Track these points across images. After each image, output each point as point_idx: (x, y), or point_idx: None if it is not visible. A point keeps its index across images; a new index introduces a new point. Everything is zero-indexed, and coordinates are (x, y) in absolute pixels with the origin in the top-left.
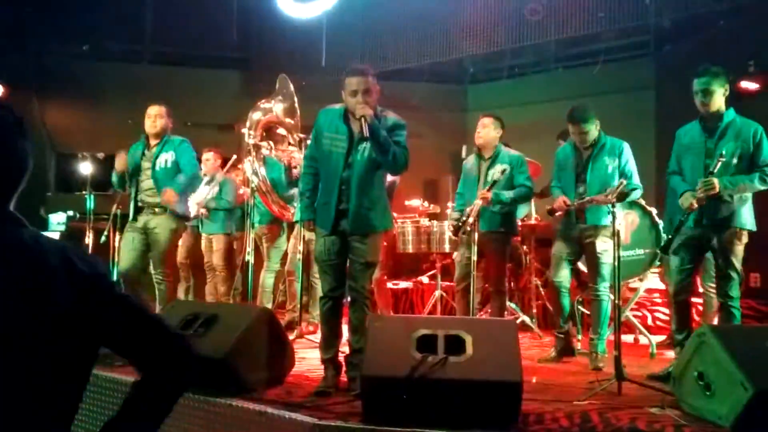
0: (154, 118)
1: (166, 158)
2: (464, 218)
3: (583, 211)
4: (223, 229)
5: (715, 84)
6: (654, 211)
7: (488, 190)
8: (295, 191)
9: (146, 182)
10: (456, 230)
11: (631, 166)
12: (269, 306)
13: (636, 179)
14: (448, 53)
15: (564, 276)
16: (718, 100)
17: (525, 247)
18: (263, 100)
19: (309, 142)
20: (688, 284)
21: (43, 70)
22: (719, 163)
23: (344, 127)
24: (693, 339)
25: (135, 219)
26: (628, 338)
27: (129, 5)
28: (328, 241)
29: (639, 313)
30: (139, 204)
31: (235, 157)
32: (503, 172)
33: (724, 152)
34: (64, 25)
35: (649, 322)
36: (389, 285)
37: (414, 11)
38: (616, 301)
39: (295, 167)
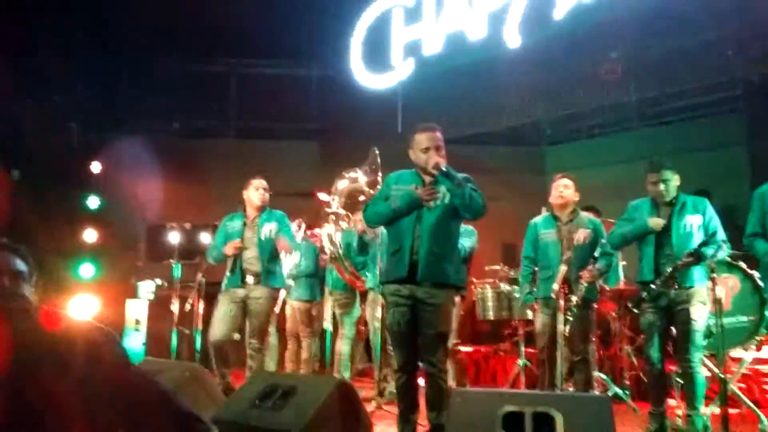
0: (263, 190)
1: (270, 228)
2: (554, 287)
3: (674, 277)
4: (306, 296)
5: None
6: (756, 274)
7: (592, 269)
8: (365, 259)
9: (250, 251)
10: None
11: (716, 223)
12: (347, 374)
13: (721, 235)
14: (523, 116)
15: (655, 350)
16: None
17: (613, 313)
18: (350, 170)
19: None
20: None
21: (136, 147)
22: None
23: (417, 178)
24: None
25: (240, 285)
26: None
27: (214, 84)
28: (398, 312)
29: (744, 386)
30: (242, 272)
31: (300, 220)
32: (592, 242)
33: None
34: (155, 105)
35: (757, 395)
36: (466, 349)
37: (487, 75)
38: (721, 374)
39: (365, 232)
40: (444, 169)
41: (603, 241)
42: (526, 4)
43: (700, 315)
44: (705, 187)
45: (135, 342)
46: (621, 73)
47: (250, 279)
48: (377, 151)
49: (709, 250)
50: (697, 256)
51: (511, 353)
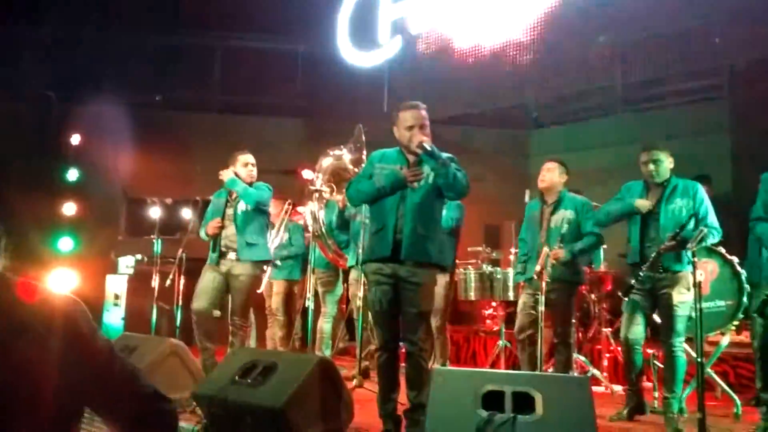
0: (252, 166)
1: (247, 203)
2: (536, 268)
3: (659, 260)
4: (288, 275)
5: None
6: (735, 259)
7: (559, 248)
8: (348, 237)
9: (230, 228)
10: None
11: (706, 208)
12: (328, 353)
13: (711, 221)
14: (510, 98)
15: (638, 332)
16: None
17: (593, 295)
18: (334, 147)
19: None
20: None
21: (117, 120)
22: None
23: (402, 157)
24: None
25: (218, 263)
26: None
27: (198, 58)
28: (379, 291)
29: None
30: (222, 249)
31: (289, 201)
32: (569, 222)
33: None
34: (138, 76)
35: (732, 379)
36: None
37: (475, 57)
38: (699, 359)
39: (346, 206)
40: (428, 148)
41: (581, 220)
42: None
43: (684, 300)
44: (689, 172)
45: (114, 317)
46: (609, 57)
47: (231, 255)
48: (362, 129)
49: (692, 234)
50: (680, 240)
51: (492, 334)
